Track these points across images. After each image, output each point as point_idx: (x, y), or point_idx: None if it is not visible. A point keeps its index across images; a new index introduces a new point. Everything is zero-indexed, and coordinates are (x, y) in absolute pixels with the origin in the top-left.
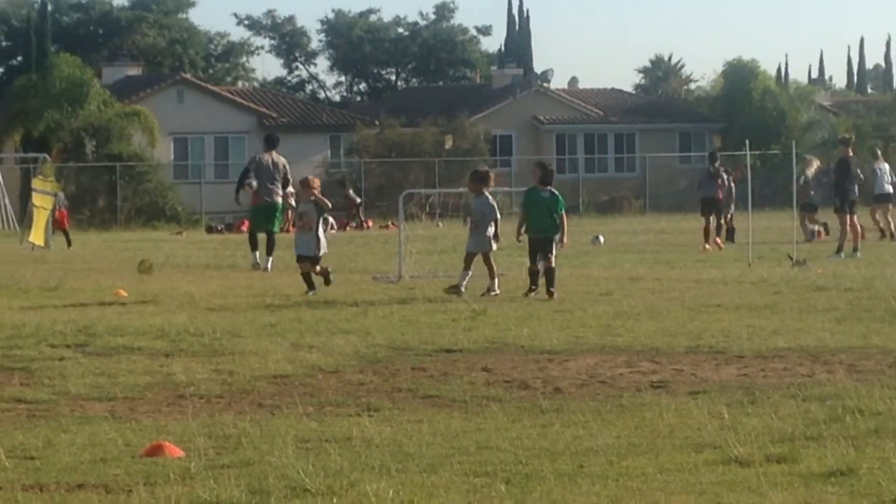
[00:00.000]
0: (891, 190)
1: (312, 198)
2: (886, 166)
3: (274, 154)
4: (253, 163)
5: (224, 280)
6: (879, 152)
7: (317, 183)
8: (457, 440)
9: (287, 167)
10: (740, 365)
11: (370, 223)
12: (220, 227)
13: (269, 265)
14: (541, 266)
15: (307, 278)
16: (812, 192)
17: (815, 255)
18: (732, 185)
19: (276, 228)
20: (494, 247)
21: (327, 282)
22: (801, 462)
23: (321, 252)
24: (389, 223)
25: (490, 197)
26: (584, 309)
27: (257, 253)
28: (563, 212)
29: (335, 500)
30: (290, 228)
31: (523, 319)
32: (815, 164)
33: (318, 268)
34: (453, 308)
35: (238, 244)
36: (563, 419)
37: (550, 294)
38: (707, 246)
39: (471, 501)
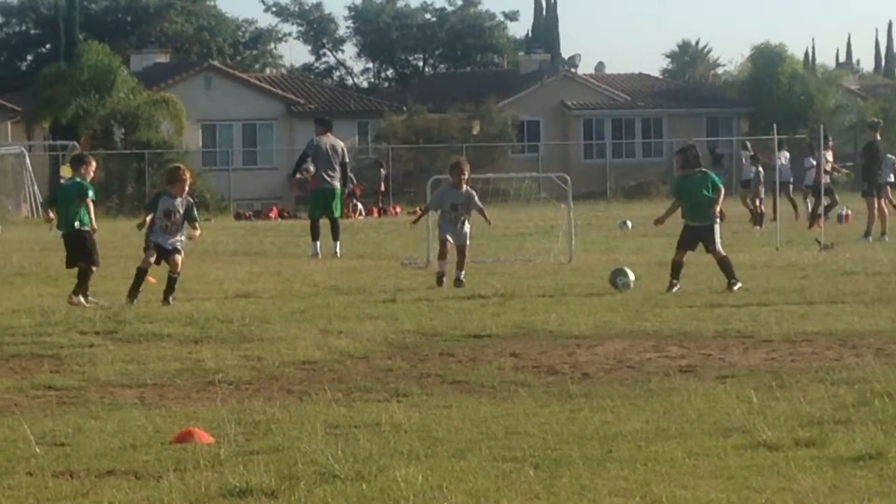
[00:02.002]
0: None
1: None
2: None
3: (331, 137)
4: (311, 147)
5: (252, 266)
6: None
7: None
8: (485, 425)
9: (345, 151)
10: (768, 349)
11: (398, 209)
12: (248, 214)
13: (339, 250)
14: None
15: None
16: (752, 172)
17: (843, 239)
18: (760, 170)
19: (339, 213)
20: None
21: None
22: (829, 446)
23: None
24: (417, 209)
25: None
26: (612, 294)
27: (318, 243)
28: (721, 185)
29: (364, 486)
30: (349, 214)
31: (551, 304)
32: (749, 147)
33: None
34: (481, 293)
35: (266, 230)
36: (592, 404)
37: (731, 286)
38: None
39: (499, 486)
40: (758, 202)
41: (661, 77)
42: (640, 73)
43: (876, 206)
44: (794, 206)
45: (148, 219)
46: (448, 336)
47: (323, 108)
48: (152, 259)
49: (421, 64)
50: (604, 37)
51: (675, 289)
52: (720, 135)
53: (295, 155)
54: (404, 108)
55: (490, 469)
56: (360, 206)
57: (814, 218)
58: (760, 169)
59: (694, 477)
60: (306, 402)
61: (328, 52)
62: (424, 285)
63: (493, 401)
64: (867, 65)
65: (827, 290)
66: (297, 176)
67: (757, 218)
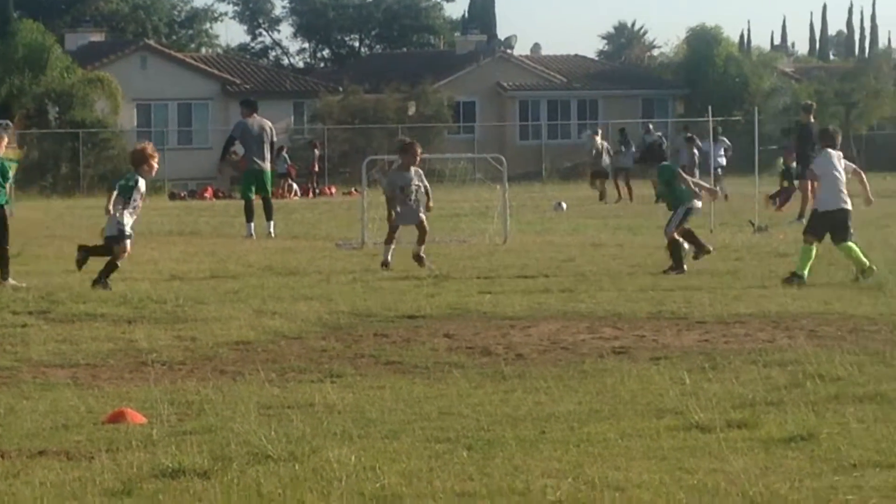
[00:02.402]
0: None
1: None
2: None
3: (258, 118)
4: (238, 130)
5: (187, 247)
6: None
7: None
8: (419, 406)
9: (273, 131)
10: (702, 331)
11: (333, 190)
12: (182, 194)
13: (273, 231)
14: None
15: None
16: (605, 160)
17: (777, 221)
18: (695, 151)
19: (269, 193)
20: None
21: None
22: (761, 427)
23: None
24: (352, 190)
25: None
26: (546, 275)
27: (252, 224)
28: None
29: (297, 467)
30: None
31: (486, 285)
32: (599, 137)
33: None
34: (416, 275)
35: (200, 210)
36: (525, 385)
37: (670, 270)
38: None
39: (432, 467)
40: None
41: (596, 59)
42: (576, 55)
43: (810, 188)
44: (630, 191)
45: (113, 202)
46: (382, 317)
47: (258, 88)
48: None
49: (357, 44)
50: (540, 18)
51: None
52: (655, 116)
53: None
54: (340, 89)
55: (423, 450)
56: (295, 186)
57: (777, 197)
58: (696, 151)
59: (626, 458)
60: (240, 382)
61: (264, 32)
62: (359, 266)
63: (427, 382)
64: (802, 47)
65: (760, 272)
66: (227, 158)
67: None
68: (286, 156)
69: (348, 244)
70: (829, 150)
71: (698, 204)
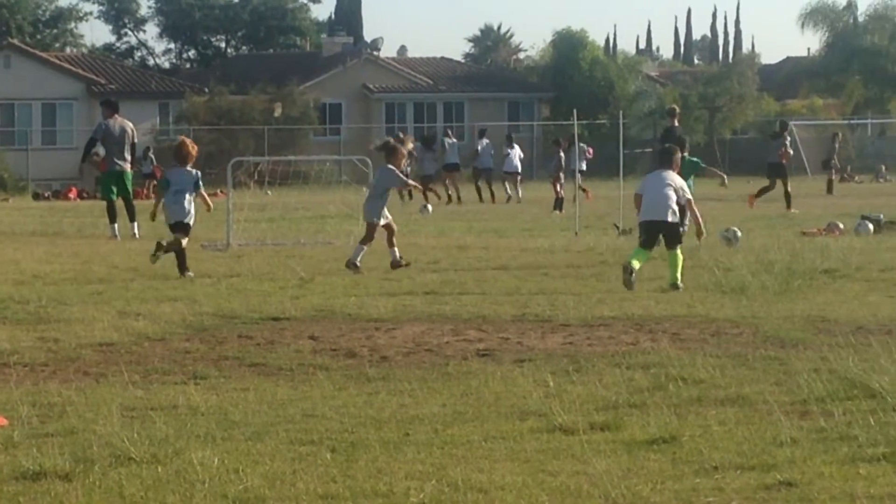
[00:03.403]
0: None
1: None
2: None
3: (119, 119)
4: (100, 131)
5: (50, 247)
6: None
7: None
8: (283, 408)
9: (134, 132)
10: (566, 333)
11: None
12: (46, 195)
13: (137, 231)
14: None
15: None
16: (425, 163)
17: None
18: (561, 154)
19: (130, 194)
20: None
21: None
22: (624, 429)
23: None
24: (218, 191)
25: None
26: (411, 277)
27: (116, 225)
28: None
29: (160, 469)
30: (146, 195)
31: (351, 288)
32: (410, 141)
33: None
34: (281, 276)
35: (65, 211)
36: (390, 387)
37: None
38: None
39: (296, 469)
40: (558, 187)
41: (463, 61)
42: (443, 58)
43: None
44: (492, 193)
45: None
46: (247, 318)
47: (124, 88)
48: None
49: (223, 45)
50: (406, 20)
51: None
52: (521, 119)
53: None
54: (206, 90)
55: (287, 452)
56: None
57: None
58: (562, 154)
59: (490, 460)
60: (103, 384)
61: (130, 32)
62: (224, 267)
63: (291, 384)
64: (667, 52)
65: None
66: (88, 159)
67: (558, 202)
68: (152, 156)
69: (213, 245)
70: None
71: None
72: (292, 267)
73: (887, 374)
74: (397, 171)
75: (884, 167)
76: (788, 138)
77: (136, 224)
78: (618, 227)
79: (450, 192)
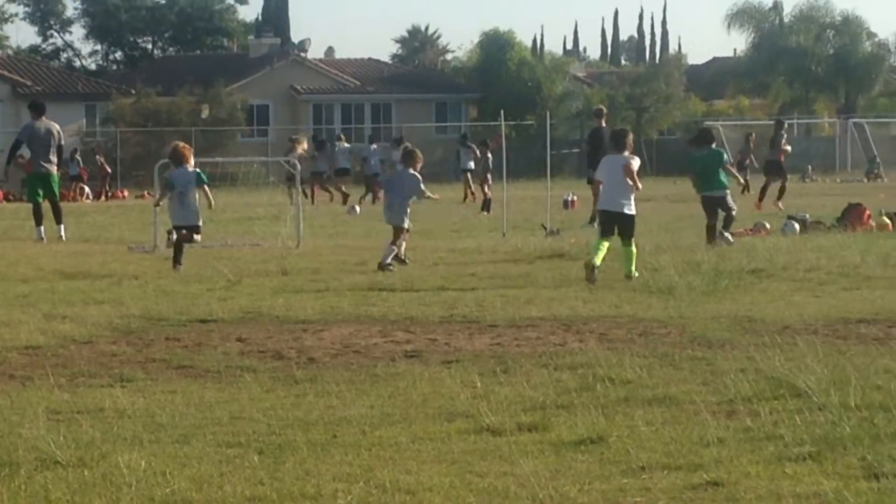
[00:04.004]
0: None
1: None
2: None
3: (46, 121)
4: (26, 133)
5: None
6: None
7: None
8: (210, 411)
9: (61, 134)
10: (493, 334)
11: (125, 193)
12: None
13: (63, 234)
14: None
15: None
16: (318, 162)
17: (568, 225)
18: (489, 155)
19: (57, 196)
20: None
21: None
22: (551, 430)
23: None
24: (145, 193)
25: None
26: (339, 279)
27: (42, 227)
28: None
29: (86, 472)
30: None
31: (278, 290)
32: (303, 143)
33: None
34: (208, 278)
35: None
36: (317, 389)
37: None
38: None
39: (223, 472)
40: (486, 188)
41: (390, 62)
42: (370, 59)
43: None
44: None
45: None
46: (174, 321)
47: (50, 90)
48: None
49: (150, 46)
50: (334, 21)
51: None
52: (449, 120)
53: None
54: (133, 91)
55: (214, 454)
56: (87, 189)
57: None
58: (490, 155)
59: (417, 461)
60: (29, 387)
61: (56, 34)
62: (151, 269)
63: (219, 386)
64: (594, 52)
65: (552, 276)
66: (13, 161)
67: (485, 203)
68: (79, 158)
69: (140, 247)
70: (616, 153)
71: None
72: (220, 269)
73: (813, 373)
74: (421, 180)
75: (810, 167)
76: (785, 136)
77: (62, 226)
78: (545, 228)
79: (343, 193)
